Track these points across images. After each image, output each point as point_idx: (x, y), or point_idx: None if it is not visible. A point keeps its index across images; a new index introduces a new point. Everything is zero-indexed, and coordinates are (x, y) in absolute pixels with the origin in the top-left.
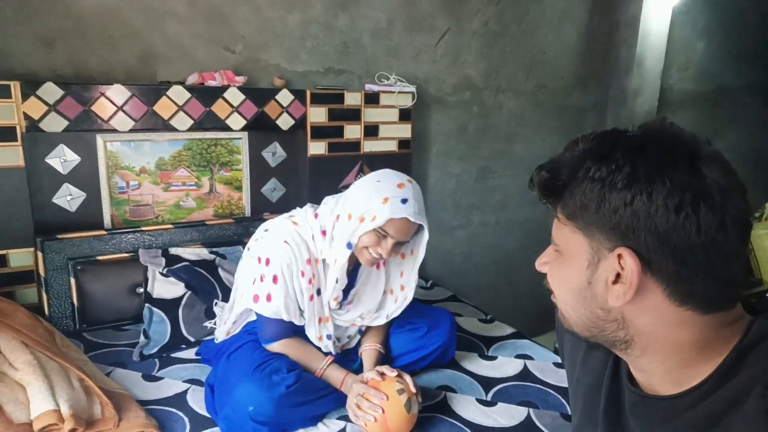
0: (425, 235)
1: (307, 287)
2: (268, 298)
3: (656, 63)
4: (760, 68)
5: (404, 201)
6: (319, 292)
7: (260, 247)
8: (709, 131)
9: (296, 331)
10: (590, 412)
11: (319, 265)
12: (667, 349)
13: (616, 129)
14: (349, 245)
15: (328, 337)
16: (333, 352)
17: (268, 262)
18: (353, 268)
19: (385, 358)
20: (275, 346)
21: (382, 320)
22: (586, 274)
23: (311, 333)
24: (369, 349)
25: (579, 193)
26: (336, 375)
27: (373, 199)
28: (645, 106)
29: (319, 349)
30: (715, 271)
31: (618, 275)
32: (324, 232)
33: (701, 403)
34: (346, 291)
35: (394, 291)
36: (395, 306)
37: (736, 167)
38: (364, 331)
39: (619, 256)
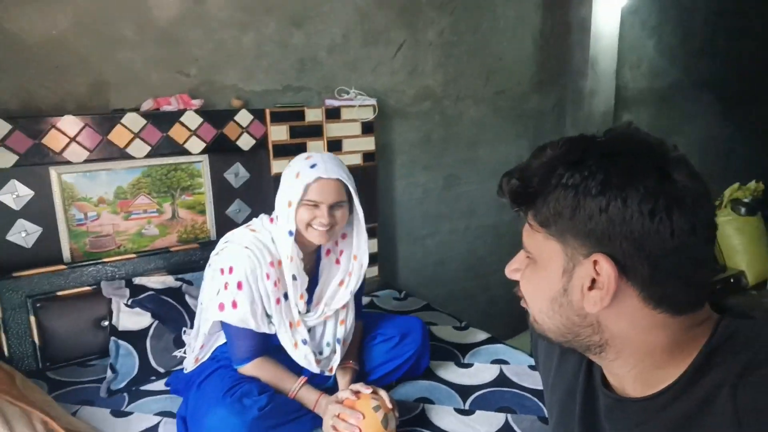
0: (355, 199)
1: (273, 290)
2: (234, 305)
3: (610, 63)
4: (709, 64)
5: (313, 166)
6: (286, 296)
7: (222, 258)
8: (666, 127)
9: (268, 349)
10: (566, 417)
11: (282, 268)
12: (642, 352)
13: (583, 135)
14: (290, 233)
15: (304, 342)
16: (318, 371)
17: (231, 270)
18: (314, 266)
19: (359, 372)
20: (248, 368)
21: (346, 297)
22: (561, 281)
23: (285, 340)
24: (342, 367)
25: (552, 200)
26: (309, 396)
27: (289, 181)
28: (602, 106)
29: (298, 371)
30: (687, 273)
31: (593, 281)
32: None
33: (673, 404)
34: (311, 291)
35: (353, 271)
36: (355, 278)
37: (695, 159)
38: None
39: (595, 262)
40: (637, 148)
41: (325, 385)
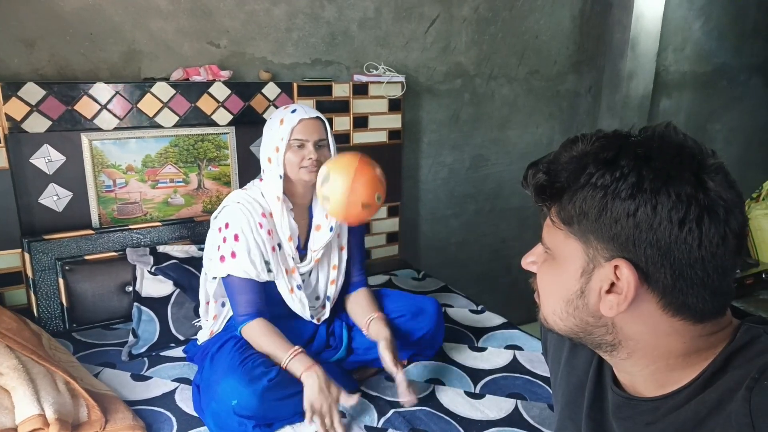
0: (331, 141)
1: (268, 238)
2: (233, 255)
3: (651, 44)
4: (759, 47)
5: (293, 111)
6: (280, 246)
7: (218, 219)
8: (707, 113)
9: (268, 301)
10: (573, 412)
11: (273, 218)
12: (655, 355)
13: (618, 132)
14: (280, 176)
15: (299, 287)
16: (308, 317)
17: (227, 225)
18: (307, 221)
19: (368, 345)
20: (249, 327)
21: (326, 236)
22: (579, 282)
23: (282, 286)
24: (373, 320)
25: (579, 199)
26: (297, 367)
27: (274, 130)
28: (640, 89)
29: (291, 341)
30: (712, 283)
31: (612, 285)
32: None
33: (685, 405)
34: (305, 242)
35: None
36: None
37: (736, 146)
38: (348, 300)
39: (616, 267)
40: (673, 152)
41: (335, 355)
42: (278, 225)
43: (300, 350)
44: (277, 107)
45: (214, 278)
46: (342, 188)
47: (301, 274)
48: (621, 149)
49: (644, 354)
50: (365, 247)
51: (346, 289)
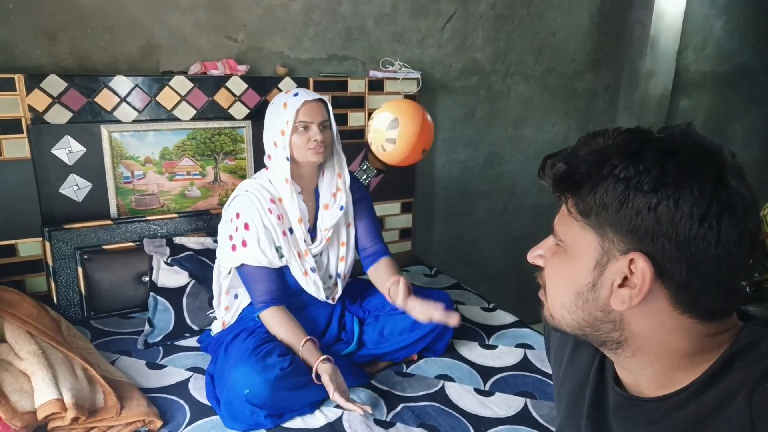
0: (332, 121)
1: (278, 223)
2: (244, 244)
3: (671, 43)
4: None
5: (296, 95)
6: (291, 231)
7: (229, 209)
8: (726, 113)
9: (285, 291)
10: (574, 412)
11: (283, 204)
12: (660, 353)
13: (641, 128)
14: (287, 159)
15: (312, 270)
16: (323, 297)
17: (238, 215)
18: (314, 203)
19: (378, 339)
20: (266, 314)
21: (337, 213)
22: (592, 275)
23: (296, 269)
24: (392, 284)
25: (600, 190)
26: (309, 358)
27: (278, 114)
28: (659, 89)
29: (303, 324)
30: (724, 282)
31: (625, 278)
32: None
33: (686, 406)
34: (314, 224)
35: (340, 187)
36: (342, 194)
37: (756, 147)
38: (370, 273)
39: (631, 260)
40: (696, 149)
41: (346, 349)
42: (288, 208)
43: (309, 339)
44: None
45: (229, 272)
46: (412, 133)
47: (314, 256)
48: (645, 143)
49: (649, 352)
50: (377, 215)
51: (368, 263)
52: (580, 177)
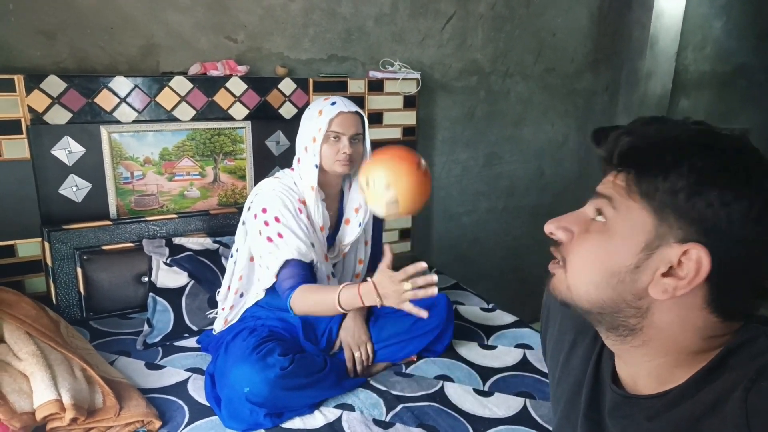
0: (367, 135)
1: (307, 222)
2: (280, 235)
3: (671, 43)
4: None
5: (333, 103)
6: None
7: (253, 206)
8: (723, 112)
9: (312, 277)
10: (570, 412)
11: (308, 206)
12: (669, 347)
13: (706, 123)
14: (315, 166)
15: (333, 275)
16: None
17: (265, 210)
18: (337, 212)
19: (377, 340)
20: (296, 297)
21: (356, 230)
22: (637, 256)
23: (321, 271)
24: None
25: (674, 176)
26: (351, 291)
27: (312, 120)
28: (658, 88)
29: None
30: (759, 287)
31: (670, 268)
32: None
33: (682, 403)
34: (334, 234)
35: (361, 203)
36: (363, 212)
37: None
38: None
39: (686, 251)
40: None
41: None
42: (312, 213)
43: (344, 286)
44: (293, 102)
45: (256, 262)
46: (411, 193)
47: (335, 266)
48: (724, 139)
49: (659, 344)
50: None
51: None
52: (652, 157)
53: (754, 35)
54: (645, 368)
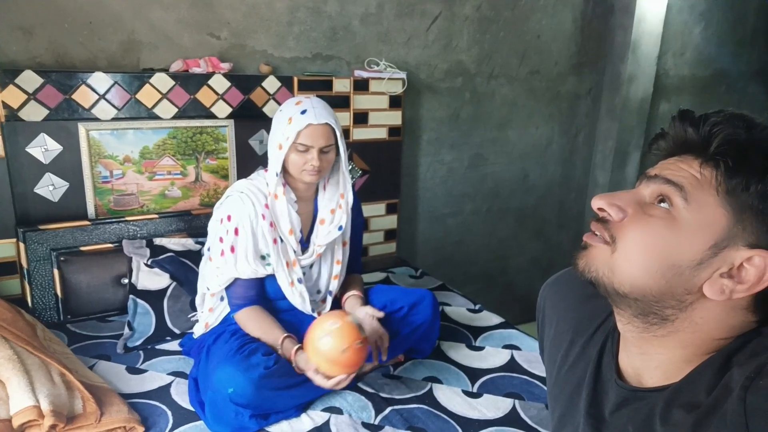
0: (340, 142)
1: (270, 230)
2: (232, 249)
3: (652, 48)
4: (758, 54)
5: (303, 112)
6: (282, 239)
7: (221, 209)
8: None
9: (263, 295)
10: (571, 410)
11: (276, 210)
12: (692, 340)
13: None
14: (276, 174)
15: (299, 281)
16: (309, 311)
17: (229, 218)
18: (311, 212)
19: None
20: (240, 314)
21: (333, 233)
22: (704, 253)
23: (282, 279)
24: (350, 296)
25: None
26: (288, 348)
27: (281, 125)
28: (639, 92)
29: (287, 323)
30: None
31: (730, 269)
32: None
33: (681, 398)
34: (308, 234)
35: (342, 206)
36: (341, 213)
37: None
38: (342, 286)
39: (751, 257)
40: None
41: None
42: (279, 219)
43: (287, 336)
44: (277, 101)
45: (219, 285)
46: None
47: (302, 267)
48: None
49: (684, 337)
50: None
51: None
52: (753, 155)
53: (733, 41)
54: (655, 360)
